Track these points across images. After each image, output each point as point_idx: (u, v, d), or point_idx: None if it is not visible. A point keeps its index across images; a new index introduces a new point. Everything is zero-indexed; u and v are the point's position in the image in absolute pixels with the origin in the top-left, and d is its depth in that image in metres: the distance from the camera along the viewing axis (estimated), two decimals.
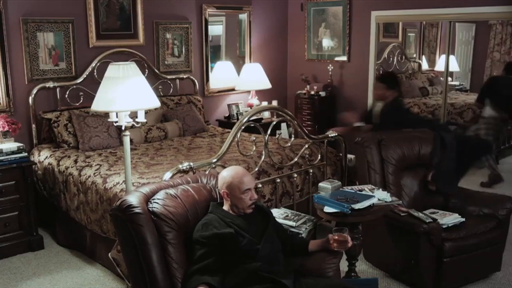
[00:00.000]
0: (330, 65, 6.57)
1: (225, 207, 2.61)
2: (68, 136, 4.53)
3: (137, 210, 2.43)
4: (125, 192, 3.35)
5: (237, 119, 5.79)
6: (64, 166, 4.16)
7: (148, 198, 2.56)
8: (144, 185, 3.09)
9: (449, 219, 3.41)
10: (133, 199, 2.49)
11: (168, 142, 4.86)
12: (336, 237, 2.63)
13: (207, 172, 3.36)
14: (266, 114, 6.28)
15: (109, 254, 3.30)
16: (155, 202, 2.51)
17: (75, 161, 4.15)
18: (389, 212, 3.27)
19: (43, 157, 4.41)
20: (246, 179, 2.57)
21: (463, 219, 3.47)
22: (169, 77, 5.65)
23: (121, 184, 3.59)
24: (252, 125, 3.88)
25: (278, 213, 3.42)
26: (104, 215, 3.64)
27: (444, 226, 3.34)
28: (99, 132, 4.56)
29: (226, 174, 2.61)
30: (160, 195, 2.57)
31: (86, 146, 4.45)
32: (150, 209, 2.49)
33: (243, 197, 2.55)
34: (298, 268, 2.65)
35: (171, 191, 2.63)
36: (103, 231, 3.69)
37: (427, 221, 3.26)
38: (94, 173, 3.89)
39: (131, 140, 4.42)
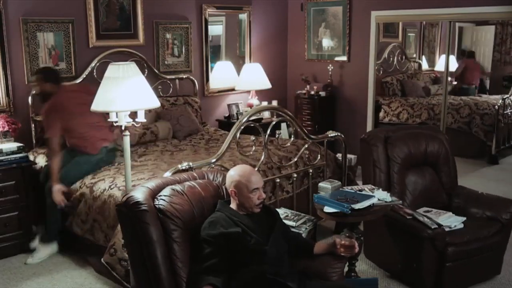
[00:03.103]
0: (330, 65, 6.57)
1: (233, 205, 2.59)
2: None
3: (144, 207, 2.39)
4: (126, 191, 3.36)
5: (237, 119, 5.78)
6: None
7: (154, 193, 2.52)
8: (150, 180, 3.07)
9: (444, 217, 3.39)
10: (140, 195, 2.45)
11: (153, 147, 4.76)
12: (343, 242, 2.61)
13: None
14: (266, 114, 6.28)
15: (102, 260, 3.30)
16: (161, 199, 2.48)
17: None
18: (393, 214, 3.25)
19: (38, 165, 4.34)
20: (254, 179, 2.55)
21: (464, 218, 3.46)
22: (169, 77, 5.64)
23: (108, 190, 3.59)
24: (252, 125, 3.88)
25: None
26: (94, 224, 3.67)
27: (447, 229, 3.30)
28: None
29: (234, 173, 2.59)
30: (166, 191, 2.54)
31: None
32: (157, 206, 2.45)
33: (251, 196, 2.52)
34: (302, 270, 2.63)
35: (178, 187, 2.59)
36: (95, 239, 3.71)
37: (432, 227, 3.22)
38: (80, 186, 3.89)
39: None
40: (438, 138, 3.90)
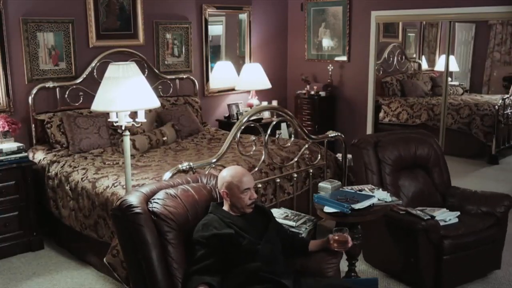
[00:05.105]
0: (330, 65, 6.57)
1: (225, 207, 2.61)
2: (61, 137, 4.49)
3: (137, 210, 2.43)
4: (125, 191, 3.35)
5: (237, 119, 5.78)
6: (53, 172, 4.14)
7: (148, 198, 2.56)
8: (144, 185, 3.09)
9: (438, 213, 3.44)
10: (133, 199, 2.49)
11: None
12: (336, 237, 2.63)
13: (206, 172, 3.36)
14: (266, 114, 6.28)
15: (104, 259, 3.30)
16: (155, 202, 2.51)
17: (70, 166, 4.10)
18: (388, 211, 3.27)
19: (36, 160, 4.38)
20: (246, 179, 2.57)
21: (458, 212, 3.53)
22: (169, 77, 5.64)
23: (111, 187, 3.59)
24: (252, 125, 3.88)
25: (278, 213, 3.42)
26: (98, 220, 3.65)
27: (442, 223, 3.35)
28: (90, 133, 4.51)
29: (226, 174, 2.61)
30: (160, 195, 2.57)
31: (77, 148, 4.41)
32: (150, 209, 2.49)
33: (243, 197, 2.55)
34: (298, 268, 2.66)
35: (171, 191, 2.63)
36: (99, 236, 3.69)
37: (425, 217, 3.28)
38: (82, 178, 3.87)
39: (135, 147, 4.41)
40: (428, 142, 3.96)
